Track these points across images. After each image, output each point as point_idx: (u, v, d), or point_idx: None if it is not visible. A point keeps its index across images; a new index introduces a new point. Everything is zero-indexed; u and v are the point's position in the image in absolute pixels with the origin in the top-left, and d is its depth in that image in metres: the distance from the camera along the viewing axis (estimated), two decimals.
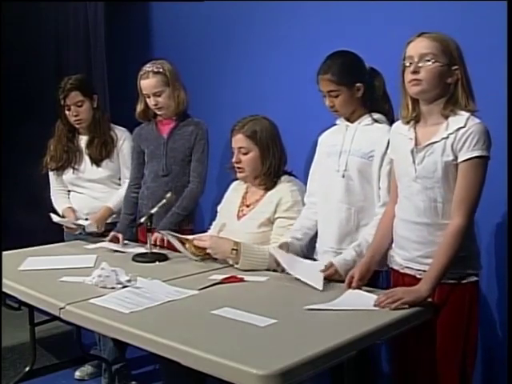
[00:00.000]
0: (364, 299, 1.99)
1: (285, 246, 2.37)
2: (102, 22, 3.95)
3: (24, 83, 4.32)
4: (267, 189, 2.63)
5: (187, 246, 2.62)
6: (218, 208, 2.84)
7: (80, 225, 3.12)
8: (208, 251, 2.55)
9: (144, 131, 3.13)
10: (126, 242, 2.97)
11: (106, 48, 3.96)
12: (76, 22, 4.14)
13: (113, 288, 2.19)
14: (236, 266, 2.45)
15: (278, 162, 2.62)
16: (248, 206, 2.67)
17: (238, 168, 2.63)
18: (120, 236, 2.97)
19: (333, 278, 2.20)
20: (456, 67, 1.96)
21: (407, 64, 1.99)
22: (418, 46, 1.98)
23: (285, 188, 2.59)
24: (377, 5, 2.85)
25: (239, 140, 2.60)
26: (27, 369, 2.78)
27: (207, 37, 3.69)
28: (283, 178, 2.64)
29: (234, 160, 2.63)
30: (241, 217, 2.66)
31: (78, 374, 3.37)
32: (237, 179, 2.75)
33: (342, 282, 2.16)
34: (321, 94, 2.35)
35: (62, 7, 4.22)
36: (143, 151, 3.12)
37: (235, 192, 2.77)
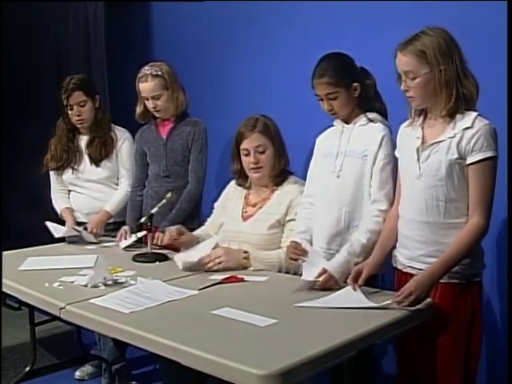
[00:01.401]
0: (359, 298, 1.98)
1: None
2: (102, 22, 3.95)
3: (24, 83, 4.33)
4: (275, 186, 2.63)
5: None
6: (215, 205, 2.82)
7: (78, 230, 3.12)
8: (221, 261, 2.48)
9: (145, 133, 3.14)
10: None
11: (106, 48, 3.96)
12: (76, 22, 4.14)
13: (103, 283, 2.22)
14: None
15: (286, 160, 2.63)
16: (254, 206, 2.65)
17: (256, 168, 2.59)
18: (127, 228, 2.99)
19: (328, 284, 2.14)
20: (442, 67, 1.95)
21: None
22: (400, 64, 2.01)
23: (293, 189, 2.58)
24: (377, 5, 2.84)
25: (255, 139, 2.57)
26: (27, 369, 2.78)
27: (207, 37, 3.68)
28: (289, 178, 2.64)
29: (252, 161, 2.58)
30: (246, 218, 2.63)
31: (78, 373, 3.37)
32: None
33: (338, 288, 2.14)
34: (317, 98, 2.33)
35: (62, 7, 4.21)
36: (145, 153, 3.13)
37: (235, 191, 2.75)
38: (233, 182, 2.79)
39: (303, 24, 3.18)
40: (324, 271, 2.15)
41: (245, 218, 2.64)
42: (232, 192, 2.77)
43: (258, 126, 2.57)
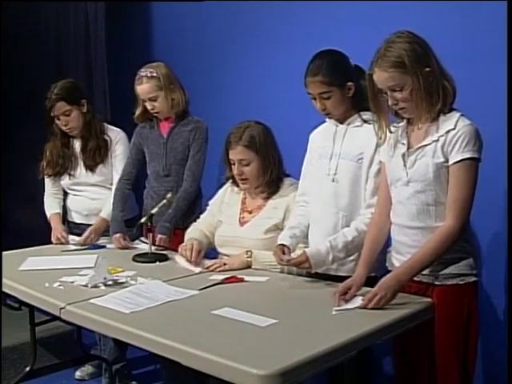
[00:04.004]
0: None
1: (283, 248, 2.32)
2: (103, 22, 3.95)
3: (24, 83, 4.32)
4: (268, 194, 2.61)
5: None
6: (209, 203, 2.80)
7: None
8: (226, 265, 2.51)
9: (146, 130, 3.13)
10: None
11: (106, 48, 3.96)
12: (76, 22, 4.14)
13: (103, 283, 2.22)
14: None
15: (278, 168, 2.60)
16: (250, 213, 2.63)
17: (242, 179, 2.59)
18: (120, 235, 2.95)
19: (303, 266, 2.21)
20: (424, 70, 1.92)
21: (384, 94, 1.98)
22: (381, 80, 1.96)
23: (289, 193, 2.57)
24: (378, 5, 2.84)
25: (239, 152, 2.55)
26: (28, 369, 2.78)
27: (207, 37, 3.69)
28: (285, 181, 2.62)
29: (235, 172, 2.58)
30: (243, 223, 2.62)
31: (78, 373, 3.37)
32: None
33: (309, 272, 2.24)
34: (310, 96, 2.29)
35: (62, 7, 4.22)
36: (142, 150, 3.12)
37: (232, 194, 2.73)
38: (228, 185, 2.76)
39: (304, 24, 3.18)
40: (303, 253, 2.21)
41: (242, 223, 2.63)
42: (229, 195, 2.74)
43: (243, 139, 2.54)
